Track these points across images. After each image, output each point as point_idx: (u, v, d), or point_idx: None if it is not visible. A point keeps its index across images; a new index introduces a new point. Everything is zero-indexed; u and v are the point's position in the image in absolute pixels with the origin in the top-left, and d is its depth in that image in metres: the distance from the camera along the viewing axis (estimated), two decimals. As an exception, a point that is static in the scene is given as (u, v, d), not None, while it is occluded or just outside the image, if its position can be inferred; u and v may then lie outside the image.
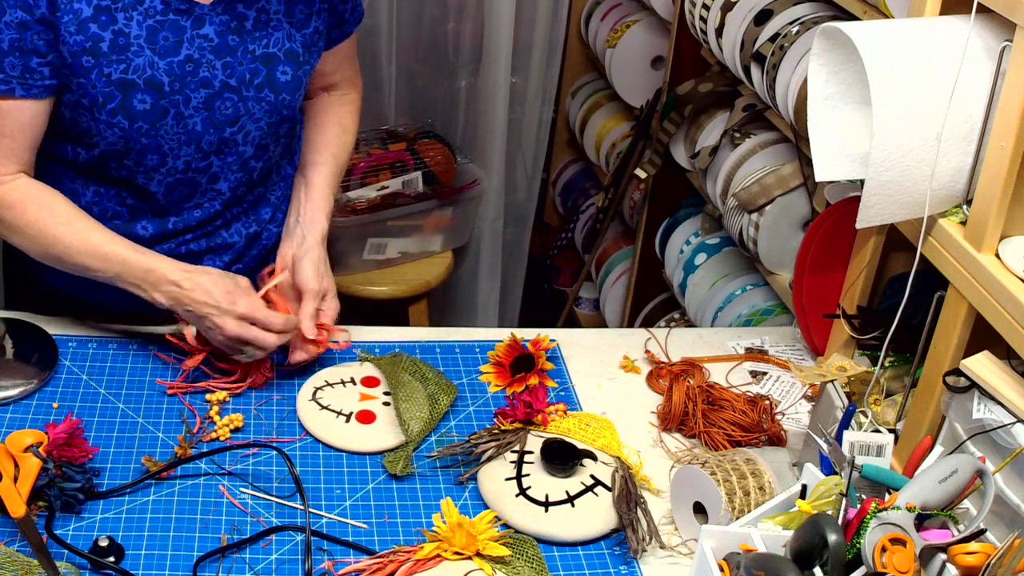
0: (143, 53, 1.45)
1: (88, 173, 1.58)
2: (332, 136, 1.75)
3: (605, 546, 1.38)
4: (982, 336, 1.30)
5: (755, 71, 1.97)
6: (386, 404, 1.56)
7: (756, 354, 1.77)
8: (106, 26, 1.43)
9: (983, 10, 1.26)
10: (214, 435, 1.47)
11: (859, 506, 1.15)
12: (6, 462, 1.25)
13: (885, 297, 1.60)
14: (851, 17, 1.73)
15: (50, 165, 1.57)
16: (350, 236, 2.66)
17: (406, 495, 1.43)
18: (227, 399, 1.54)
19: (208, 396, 1.53)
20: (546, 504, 1.39)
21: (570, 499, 1.40)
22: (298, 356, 1.58)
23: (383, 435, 1.50)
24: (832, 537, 1.07)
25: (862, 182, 1.35)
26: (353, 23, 1.71)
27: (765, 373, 1.73)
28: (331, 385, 1.58)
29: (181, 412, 1.51)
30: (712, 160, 2.22)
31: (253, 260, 1.73)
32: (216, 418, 1.49)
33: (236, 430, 1.49)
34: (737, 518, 1.30)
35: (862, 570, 1.10)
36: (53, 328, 1.62)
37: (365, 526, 1.37)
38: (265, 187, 1.70)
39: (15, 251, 1.58)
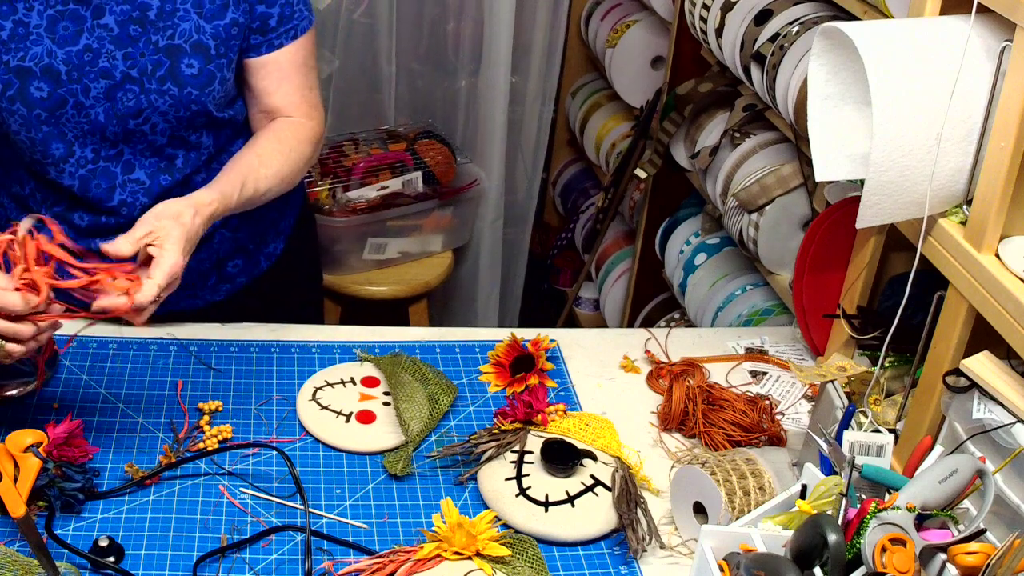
0: (42, 42, 1.47)
1: (24, 162, 1.60)
2: (262, 142, 1.60)
3: (605, 546, 1.38)
4: (982, 336, 1.30)
5: (755, 71, 1.97)
6: (386, 404, 1.55)
7: (756, 354, 1.77)
8: (7, 16, 1.46)
9: (983, 10, 1.26)
10: (202, 445, 1.45)
11: (859, 506, 1.15)
12: (6, 462, 1.25)
13: (885, 297, 1.60)
14: (851, 17, 1.72)
15: (5, 152, 1.61)
16: (350, 236, 2.65)
17: (406, 495, 1.43)
18: (220, 408, 1.53)
19: (200, 404, 1.52)
20: (546, 504, 1.39)
21: (570, 499, 1.40)
22: (104, 303, 1.30)
23: (383, 435, 1.50)
24: (832, 537, 1.07)
25: (862, 182, 1.35)
26: (284, 36, 1.58)
27: (765, 373, 1.73)
28: (331, 385, 1.58)
29: (172, 419, 1.50)
30: (712, 160, 2.22)
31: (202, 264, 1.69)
32: (206, 428, 1.48)
33: (225, 440, 1.47)
34: (737, 518, 1.30)
35: (862, 570, 1.10)
36: (53, 328, 1.63)
37: (365, 526, 1.37)
38: None
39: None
